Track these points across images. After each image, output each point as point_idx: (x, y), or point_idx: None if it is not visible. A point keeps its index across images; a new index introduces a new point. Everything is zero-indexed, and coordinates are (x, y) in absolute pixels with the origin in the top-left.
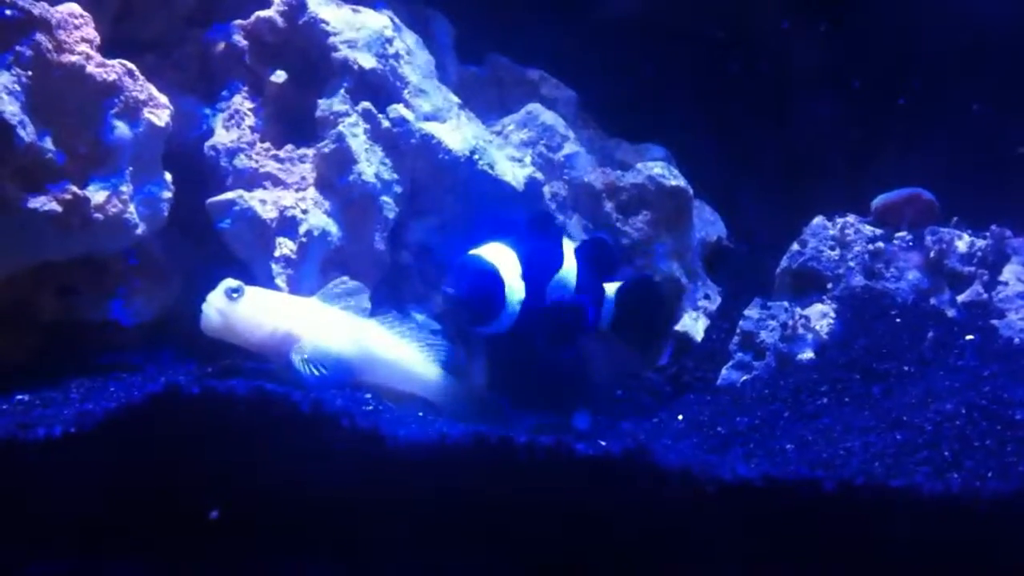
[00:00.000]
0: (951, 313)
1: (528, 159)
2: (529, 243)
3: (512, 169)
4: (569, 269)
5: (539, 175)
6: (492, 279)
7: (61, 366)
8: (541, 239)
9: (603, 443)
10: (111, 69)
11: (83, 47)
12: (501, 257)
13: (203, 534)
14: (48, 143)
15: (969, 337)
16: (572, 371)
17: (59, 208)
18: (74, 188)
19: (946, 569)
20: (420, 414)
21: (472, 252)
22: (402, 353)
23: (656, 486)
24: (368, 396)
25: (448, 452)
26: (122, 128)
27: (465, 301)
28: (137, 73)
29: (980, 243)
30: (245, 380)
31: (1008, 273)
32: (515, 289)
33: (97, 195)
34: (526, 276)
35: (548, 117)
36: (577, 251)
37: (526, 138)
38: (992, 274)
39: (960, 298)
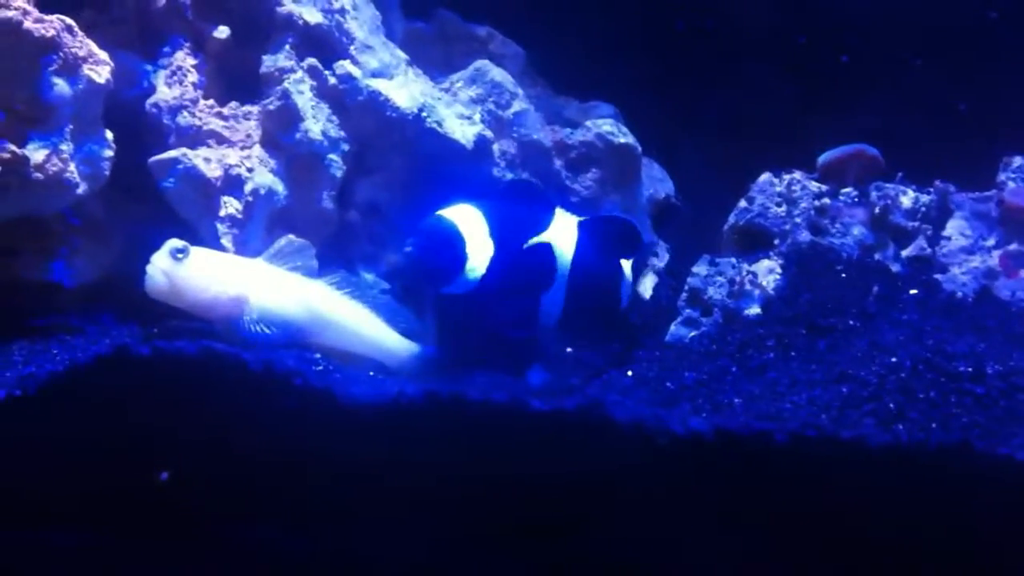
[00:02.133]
0: (895, 268)
1: (477, 117)
2: (504, 206)
3: (461, 127)
4: (558, 236)
5: (488, 133)
6: (451, 238)
7: (1, 328)
8: (522, 204)
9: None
10: (49, 25)
11: (20, 2)
12: (465, 217)
13: (154, 498)
14: None
15: (913, 292)
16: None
17: None
18: (12, 147)
19: (886, 517)
20: (371, 374)
21: (437, 213)
22: (351, 314)
23: (610, 440)
24: (317, 356)
25: (403, 410)
26: (61, 85)
27: (422, 259)
28: (76, 29)
29: (924, 199)
30: (193, 340)
31: (951, 228)
32: (480, 248)
33: (36, 154)
34: (497, 237)
35: (497, 74)
36: (583, 225)
37: (475, 95)
38: (936, 229)
39: (904, 253)
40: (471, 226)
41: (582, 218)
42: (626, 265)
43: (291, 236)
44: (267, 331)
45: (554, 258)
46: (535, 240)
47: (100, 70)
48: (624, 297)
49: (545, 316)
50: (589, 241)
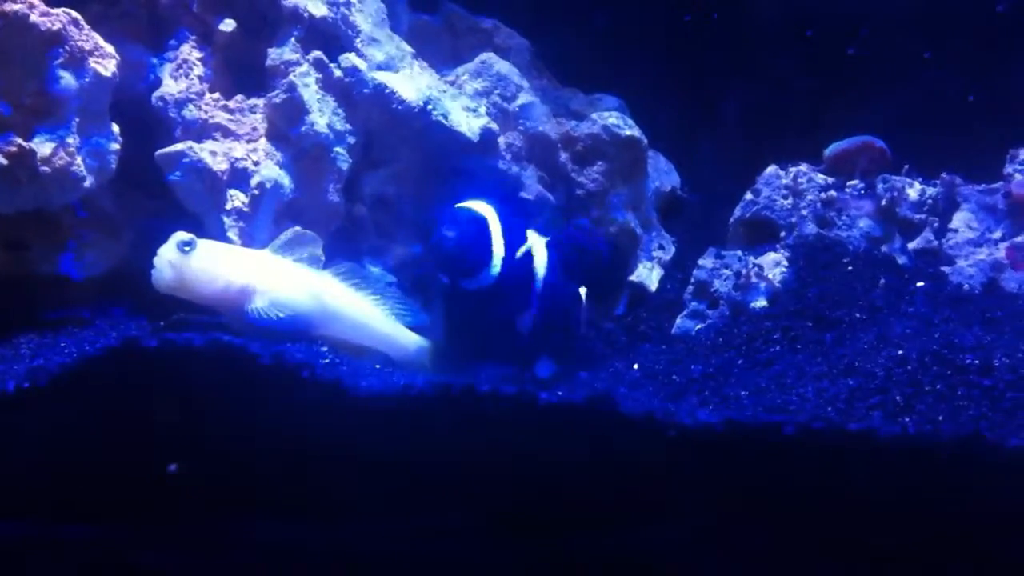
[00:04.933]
0: (902, 260)
1: (483, 109)
2: (504, 209)
3: (467, 119)
4: (536, 249)
5: (494, 125)
6: (483, 230)
7: (10, 321)
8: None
9: (562, 392)
10: (55, 18)
11: None
12: (488, 212)
13: (164, 490)
14: None
15: (920, 284)
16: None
17: (4, 161)
18: (19, 140)
19: (894, 509)
20: (377, 366)
21: (461, 205)
22: (357, 306)
23: (619, 433)
24: (324, 349)
25: (412, 403)
26: (68, 79)
27: (455, 250)
28: (82, 22)
29: (931, 191)
30: (201, 333)
31: (958, 220)
32: (498, 245)
33: (43, 147)
34: (505, 237)
35: (503, 67)
36: (551, 245)
37: (480, 88)
38: (942, 221)
39: (911, 245)
40: (493, 223)
41: (546, 238)
42: (582, 292)
43: (297, 227)
44: (275, 320)
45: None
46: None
47: (106, 63)
48: (581, 323)
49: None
50: (556, 261)
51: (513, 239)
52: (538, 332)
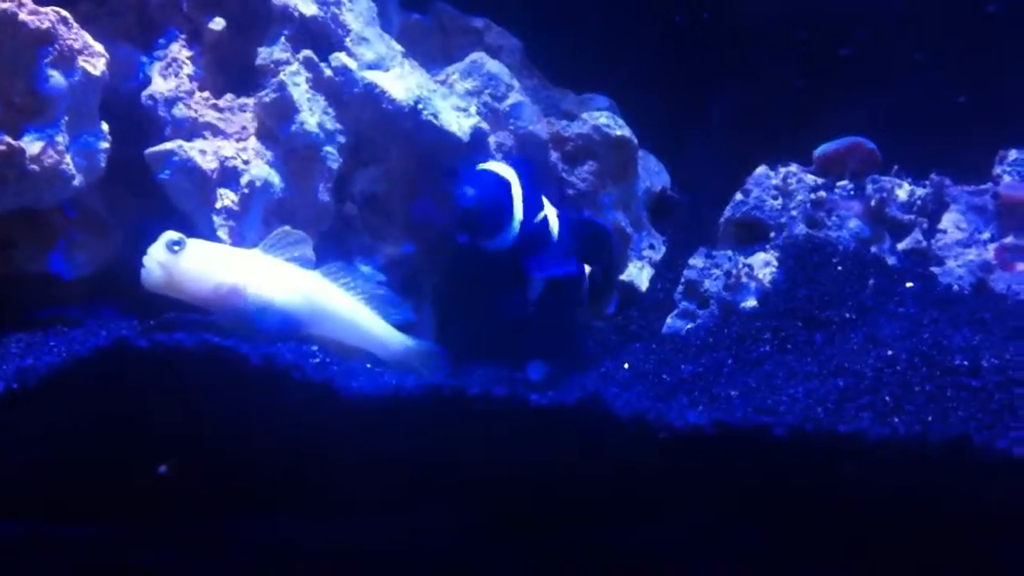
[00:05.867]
0: (891, 261)
1: (473, 109)
2: (525, 173)
3: (457, 119)
4: (551, 219)
5: (484, 125)
6: (506, 191)
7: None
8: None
9: (553, 393)
10: (44, 17)
11: None
12: (510, 175)
13: (154, 491)
14: None
15: (909, 284)
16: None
17: None
18: (8, 139)
19: (884, 510)
20: (368, 366)
21: (483, 166)
22: (348, 305)
23: (610, 434)
24: (315, 349)
25: (402, 404)
26: (57, 77)
27: (478, 208)
28: (71, 20)
29: (920, 192)
30: (191, 334)
31: (947, 221)
32: (519, 209)
33: (32, 146)
34: (525, 202)
35: (493, 66)
36: (563, 219)
37: (471, 87)
38: (931, 222)
39: (900, 246)
40: (515, 187)
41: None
42: (586, 269)
43: (288, 227)
44: (265, 320)
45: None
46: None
47: (96, 62)
48: (583, 300)
49: (532, 289)
50: (567, 235)
51: (531, 204)
52: (545, 300)
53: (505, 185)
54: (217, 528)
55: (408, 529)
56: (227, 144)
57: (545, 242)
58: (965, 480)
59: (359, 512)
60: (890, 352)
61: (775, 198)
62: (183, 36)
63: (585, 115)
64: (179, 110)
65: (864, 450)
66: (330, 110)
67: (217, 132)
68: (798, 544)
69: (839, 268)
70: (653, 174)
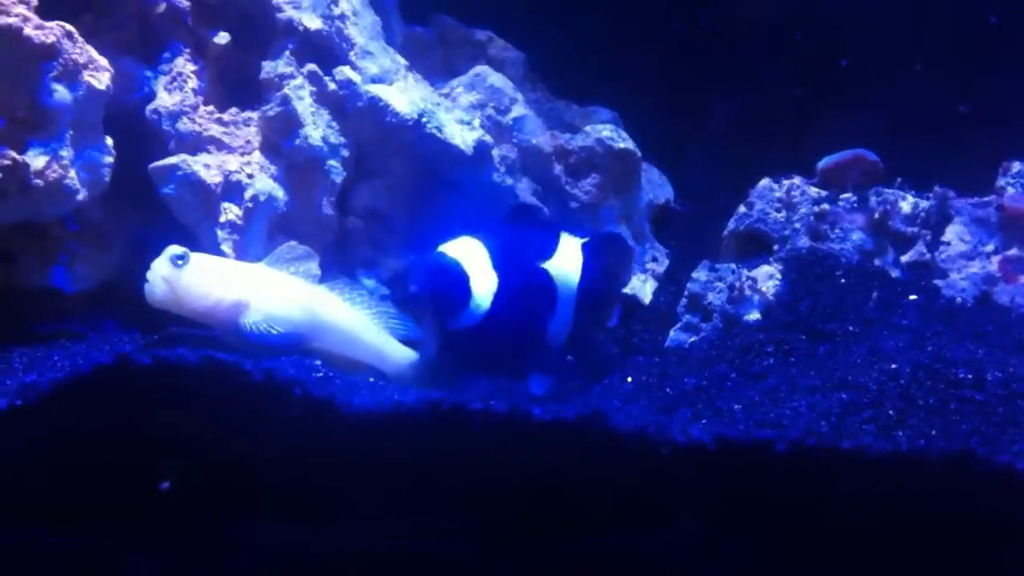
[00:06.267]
0: (895, 273)
1: (477, 122)
2: (507, 234)
3: (460, 132)
4: (565, 261)
5: (488, 138)
6: (454, 275)
7: (2, 335)
8: (526, 230)
9: (555, 407)
10: (49, 31)
11: (20, 8)
12: (467, 251)
13: (156, 507)
14: None
15: (912, 297)
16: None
17: None
18: (12, 153)
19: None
20: (371, 380)
21: (438, 249)
22: (351, 319)
23: (612, 449)
24: (318, 363)
25: (403, 420)
26: (61, 92)
27: (428, 297)
28: (76, 35)
29: (923, 204)
30: (194, 349)
31: (950, 233)
32: (483, 281)
33: (36, 160)
34: (500, 268)
35: (496, 79)
36: (586, 247)
37: (474, 100)
38: (935, 234)
39: (904, 258)
40: (473, 260)
41: (584, 239)
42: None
43: (293, 242)
44: (268, 335)
45: (554, 284)
46: (540, 266)
47: (100, 76)
48: (616, 315)
49: (554, 339)
50: (592, 262)
51: (517, 264)
52: (578, 337)
53: (452, 272)
54: (219, 540)
55: (411, 541)
56: (231, 158)
57: (547, 294)
58: (968, 493)
59: (361, 524)
60: (894, 365)
61: (778, 211)
62: (187, 50)
63: (588, 128)
64: (183, 124)
65: (867, 463)
66: (334, 123)
67: (221, 146)
68: (801, 556)
69: (842, 281)
70: (656, 186)
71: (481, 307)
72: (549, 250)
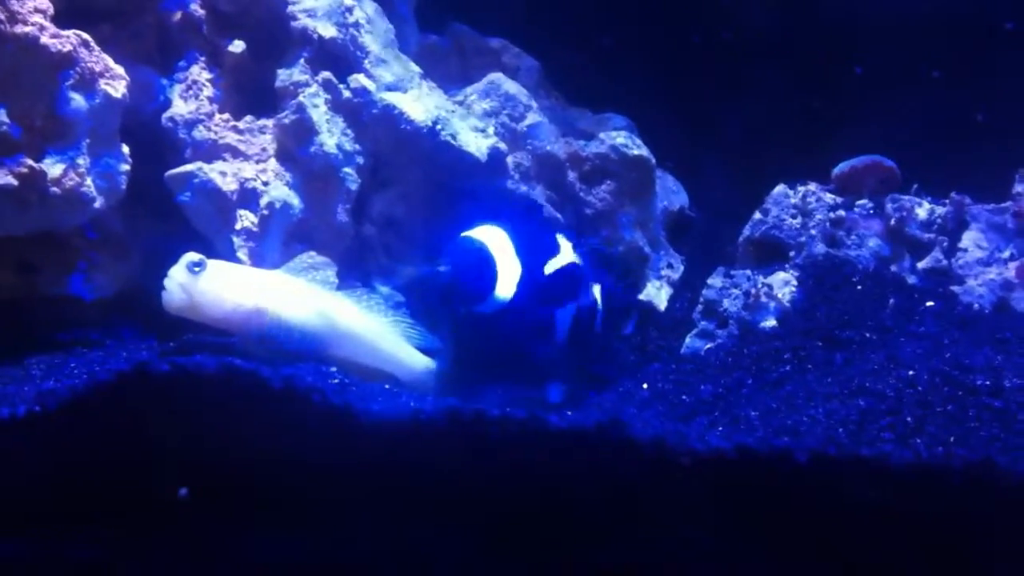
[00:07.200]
0: (912, 280)
1: (491, 129)
2: (523, 227)
3: (475, 139)
4: (568, 260)
5: (502, 145)
6: (483, 258)
7: (21, 342)
8: (532, 226)
9: (571, 414)
10: (66, 40)
11: (37, 18)
12: (494, 237)
13: (175, 514)
14: (3, 116)
15: (930, 304)
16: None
17: (15, 182)
18: (30, 162)
19: (905, 534)
20: (387, 386)
21: (466, 234)
22: (368, 327)
23: (629, 458)
24: (334, 370)
25: (422, 428)
26: (78, 100)
27: (456, 279)
28: (92, 44)
29: (940, 210)
30: (212, 356)
31: (967, 240)
32: (508, 269)
33: (53, 169)
34: (523, 258)
35: (510, 87)
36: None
37: (488, 108)
38: (952, 241)
39: (920, 265)
40: (500, 247)
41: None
42: (596, 290)
43: (312, 253)
44: (285, 342)
45: (579, 280)
46: (560, 261)
47: (116, 85)
48: (632, 323)
49: (559, 335)
50: (587, 268)
51: (535, 256)
52: (574, 338)
53: (481, 255)
54: (238, 547)
55: (428, 548)
56: (247, 166)
57: (568, 289)
58: (988, 502)
59: (379, 531)
60: (911, 372)
61: (794, 217)
62: (203, 58)
63: (602, 135)
64: (199, 132)
65: (886, 472)
66: (349, 131)
67: (237, 154)
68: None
69: (859, 288)
70: (671, 193)
71: (506, 294)
72: (555, 246)
